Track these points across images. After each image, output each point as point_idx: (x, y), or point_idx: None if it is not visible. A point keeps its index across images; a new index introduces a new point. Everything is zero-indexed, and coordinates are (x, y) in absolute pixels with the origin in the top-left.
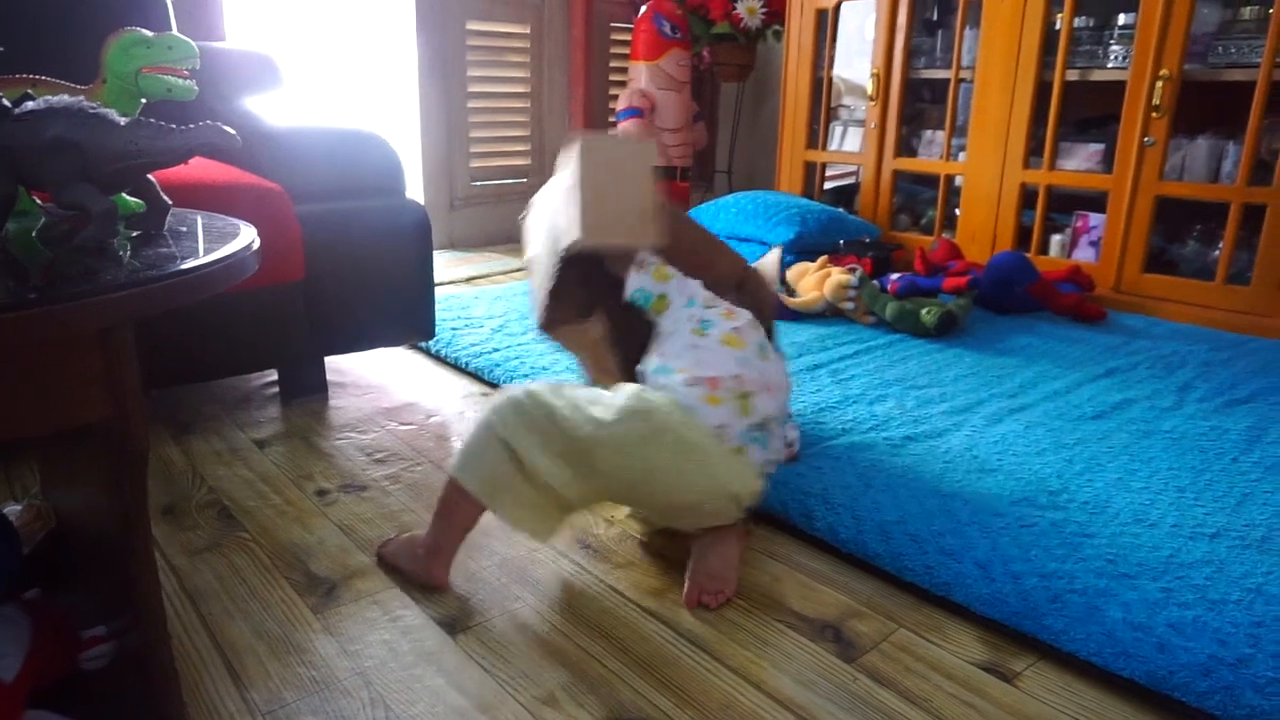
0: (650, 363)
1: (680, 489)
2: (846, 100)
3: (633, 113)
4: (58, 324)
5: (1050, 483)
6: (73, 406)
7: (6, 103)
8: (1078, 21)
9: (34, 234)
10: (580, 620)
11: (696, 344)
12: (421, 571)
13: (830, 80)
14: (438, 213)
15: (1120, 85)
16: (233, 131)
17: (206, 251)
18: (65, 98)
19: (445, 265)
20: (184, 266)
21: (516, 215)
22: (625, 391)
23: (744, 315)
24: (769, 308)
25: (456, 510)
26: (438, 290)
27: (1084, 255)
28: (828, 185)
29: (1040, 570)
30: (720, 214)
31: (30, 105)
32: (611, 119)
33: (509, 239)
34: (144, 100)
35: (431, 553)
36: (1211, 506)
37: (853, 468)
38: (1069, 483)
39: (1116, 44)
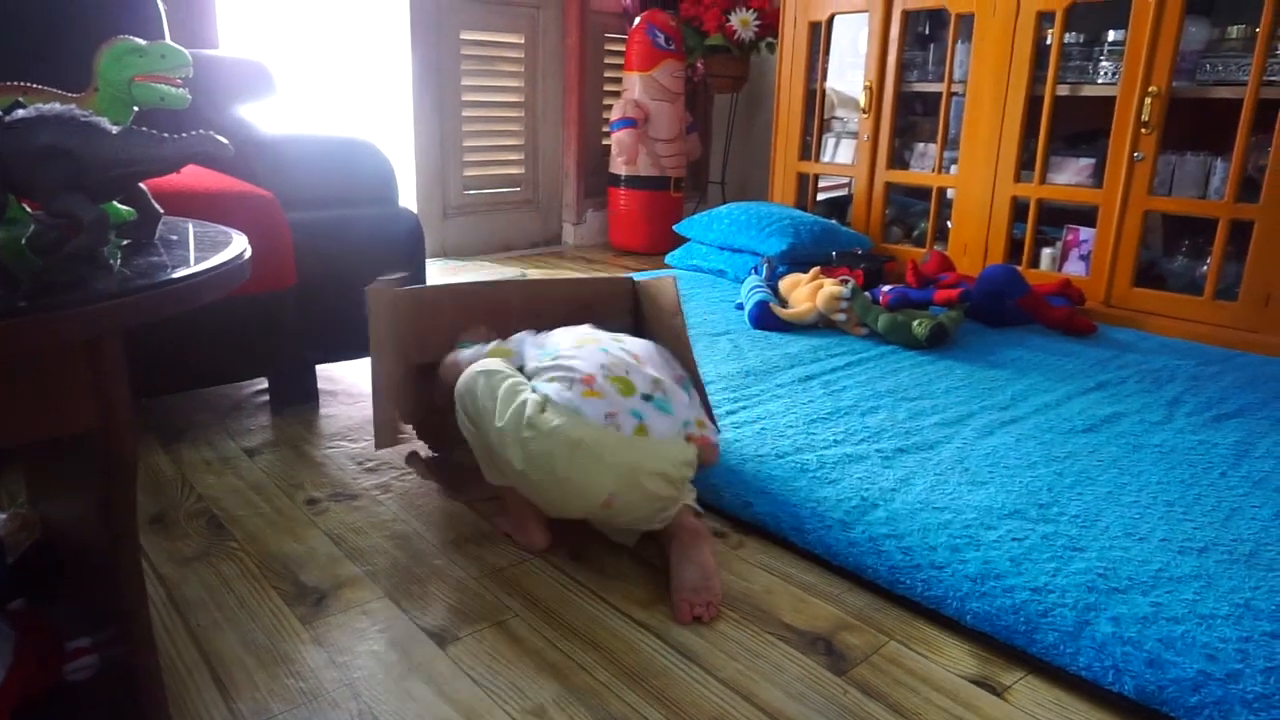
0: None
1: (595, 489)
2: (839, 112)
3: (626, 123)
4: (47, 333)
5: (1041, 496)
6: (61, 415)
7: None
8: (1068, 37)
9: (23, 242)
10: (571, 631)
11: (558, 355)
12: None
13: (823, 92)
14: (430, 221)
15: (1110, 101)
16: (225, 141)
17: (197, 260)
18: (57, 106)
19: (438, 274)
20: (174, 276)
21: (509, 224)
22: (511, 426)
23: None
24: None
25: (509, 497)
26: None
27: (1074, 269)
28: (820, 197)
29: (1031, 584)
30: (713, 225)
31: (21, 113)
32: (605, 129)
33: (502, 248)
34: (136, 108)
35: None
36: (1200, 521)
37: (845, 479)
38: (1059, 496)
39: (1106, 60)
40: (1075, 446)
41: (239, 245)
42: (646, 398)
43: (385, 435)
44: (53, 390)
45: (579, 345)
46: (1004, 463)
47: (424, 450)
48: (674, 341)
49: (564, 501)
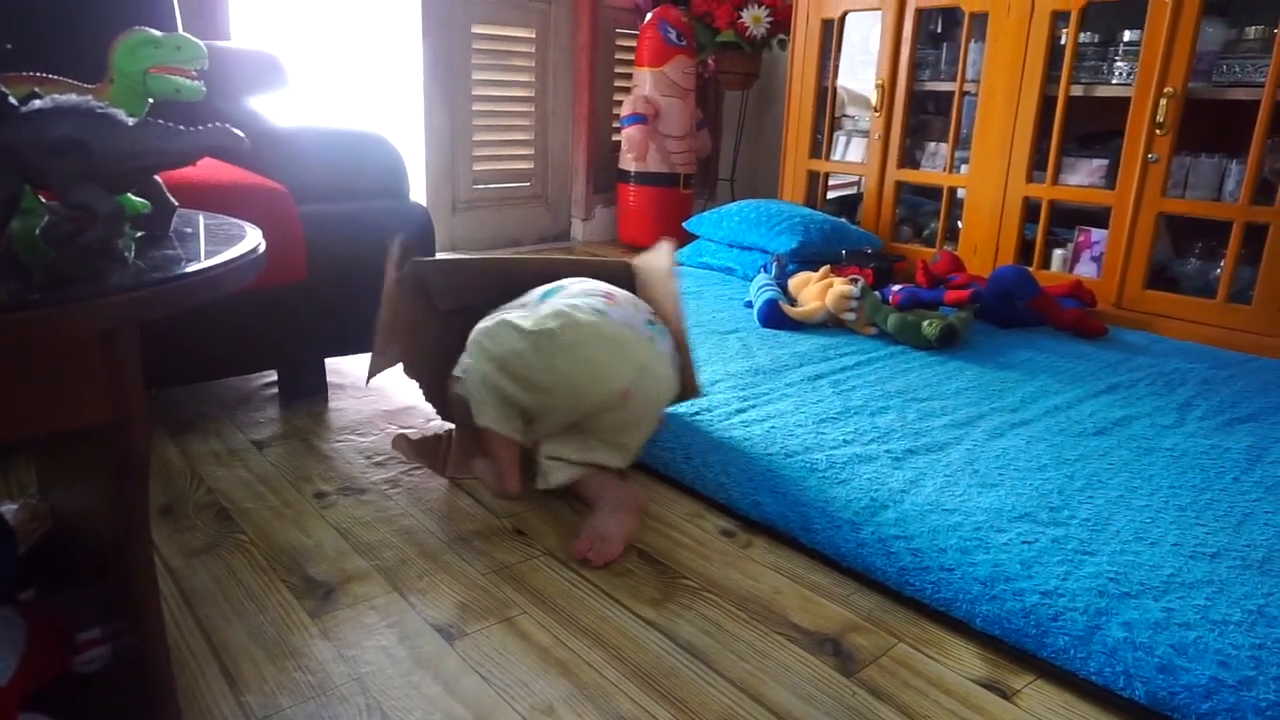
0: (535, 294)
1: (618, 376)
2: (850, 110)
3: (636, 119)
4: (60, 326)
5: (1051, 499)
6: (74, 409)
7: (13, 101)
8: (1083, 37)
9: (37, 232)
10: (579, 629)
11: (573, 291)
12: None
13: (834, 90)
14: (440, 215)
15: (1125, 101)
16: (241, 134)
17: (212, 254)
18: (73, 97)
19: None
20: (189, 269)
21: (518, 219)
22: (547, 309)
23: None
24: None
25: (494, 442)
26: None
27: (1086, 270)
28: (830, 195)
29: (1042, 587)
30: (723, 222)
31: (38, 104)
32: (615, 124)
33: (511, 242)
34: (151, 100)
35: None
36: (1212, 526)
37: (855, 480)
38: (1070, 499)
39: (1121, 60)
40: (1086, 449)
41: (253, 239)
42: (650, 322)
43: (376, 366)
44: (65, 384)
45: (587, 288)
46: (1014, 465)
47: (413, 433)
48: (668, 302)
49: (586, 390)
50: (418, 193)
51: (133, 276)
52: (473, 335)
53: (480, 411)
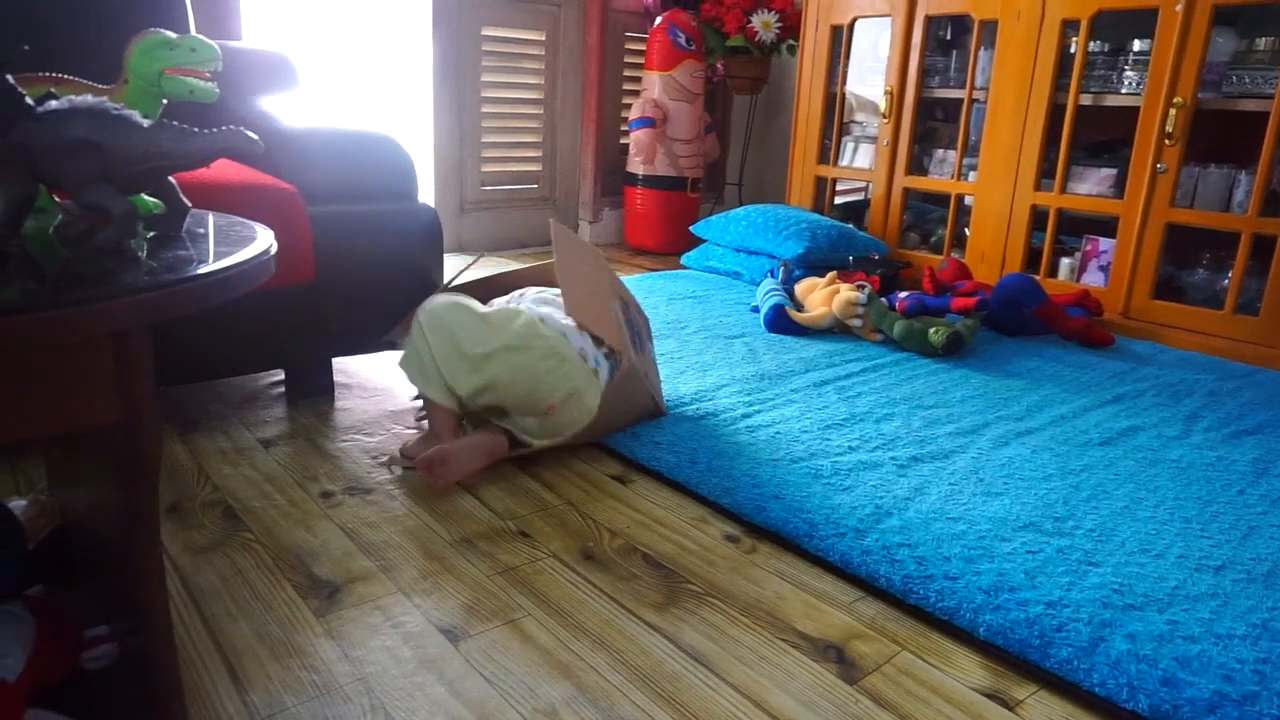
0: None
1: (551, 393)
2: (859, 116)
3: (645, 123)
4: (73, 327)
5: (1056, 508)
6: (84, 409)
7: (29, 101)
8: (1093, 46)
9: (51, 232)
10: (582, 632)
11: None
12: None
13: (843, 96)
14: (447, 216)
15: (1134, 111)
16: (255, 137)
17: (224, 255)
18: (88, 98)
19: (454, 269)
20: (202, 271)
21: (525, 221)
22: (520, 320)
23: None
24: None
25: (435, 412)
26: None
27: (1093, 279)
28: (838, 201)
29: (1046, 598)
30: (730, 226)
31: (53, 105)
32: (624, 128)
33: (518, 244)
34: (165, 101)
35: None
36: (1218, 538)
37: (860, 487)
38: (1075, 509)
39: (1131, 70)
40: (1091, 459)
41: (265, 240)
42: (608, 355)
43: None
44: (76, 384)
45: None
46: (1019, 474)
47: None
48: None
49: (526, 394)
50: (426, 194)
51: (145, 277)
52: (426, 320)
53: (417, 381)
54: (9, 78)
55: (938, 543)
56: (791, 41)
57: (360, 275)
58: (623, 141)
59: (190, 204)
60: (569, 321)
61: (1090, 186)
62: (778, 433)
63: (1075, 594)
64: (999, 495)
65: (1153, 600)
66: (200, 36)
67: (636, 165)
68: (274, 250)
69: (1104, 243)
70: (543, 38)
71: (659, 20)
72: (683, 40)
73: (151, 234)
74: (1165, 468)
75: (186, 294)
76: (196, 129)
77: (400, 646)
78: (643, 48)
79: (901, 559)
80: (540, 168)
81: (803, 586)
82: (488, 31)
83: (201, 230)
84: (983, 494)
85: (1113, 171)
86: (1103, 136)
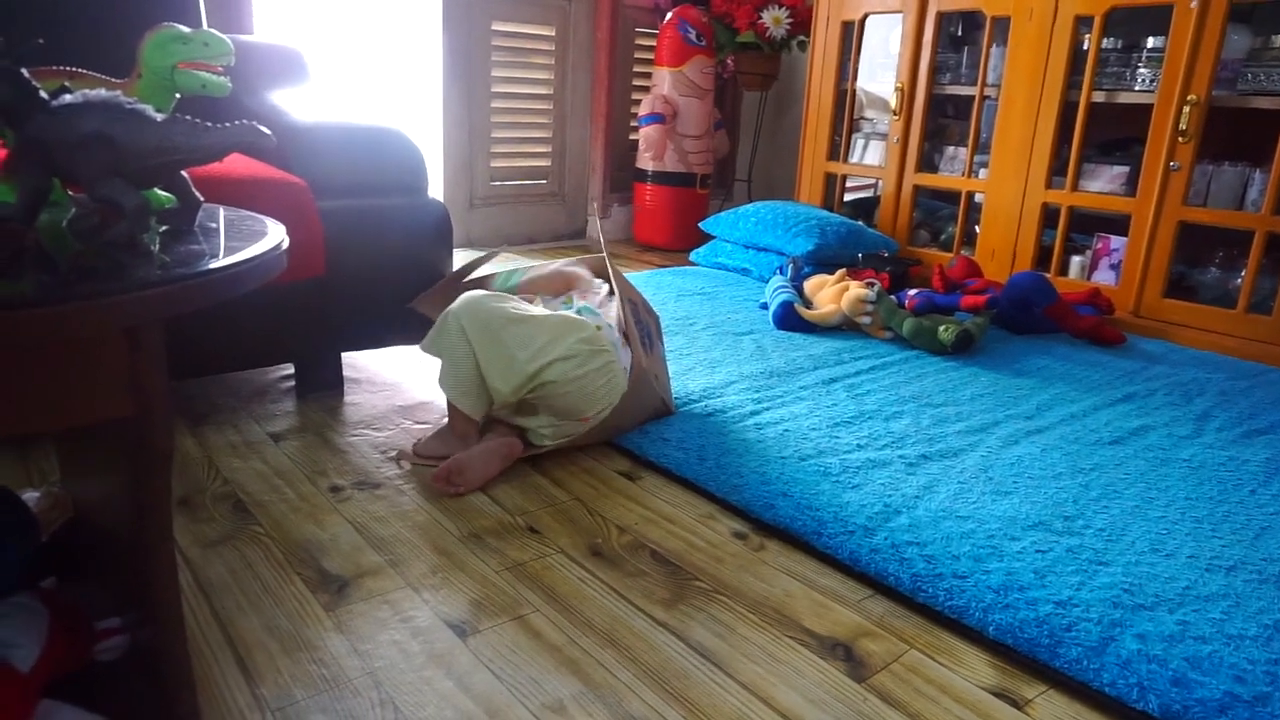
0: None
1: (598, 403)
2: (869, 113)
3: (654, 118)
4: (86, 321)
5: (1066, 508)
6: (97, 403)
7: (43, 95)
8: (1106, 43)
9: (64, 225)
10: (590, 628)
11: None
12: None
13: (853, 92)
14: (456, 211)
15: (1147, 108)
16: (268, 131)
17: (237, 249)
18: (102, 92)
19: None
20: (214, 265)
21: (534, 216)
22: (584, 334)
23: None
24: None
25: (455, 418)
26: None
27: (1104, 278)
28: (847, 197)
29: (1055, 597)
30: (739, 223)
31: (67, 98)
32: (633, 123)
33: (527, 239)
34: (178, 95)
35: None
36: (1229, 538)
37: (868, 485)
38: (1085, 508)
39: (1144, 67)
40: (1101, 458)
41: (276, 235)
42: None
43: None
44: (89, 378)
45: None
46: (1029, 473)
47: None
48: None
49: (570, 405)
50: (435, 189)
51: (158, 272)
52: (470, 315)
53: (457, 397)
54: (23, 72)
55: (947, 541)
56: (802, 37)
57: (370, 270)
58: (632, 137)
59: (202, 198)
60: (611, 320)
61: (1102, 184)
62: (786, 430)
63: (1085, 593)
64: (1008, 494)
65: (1163, 600)
66: (213, 31)
67: (646, 161)
68: (285, 245)
69: (1115, 241)
70: (553, 33)
71: (669, 16)
72: (693, 36)
73: (164, 228)
74: (1176, 467)
75: (198, 289)
76: (209, 123)
77: (409, 641)
78: (653, 43)
79: (910, 557)
80: (549, 163)
81: (811, 584)
82: (498, 26)
83: (213, 224)
84: (992, 493)
85: (1125, 169)
86: (1115, 134)
